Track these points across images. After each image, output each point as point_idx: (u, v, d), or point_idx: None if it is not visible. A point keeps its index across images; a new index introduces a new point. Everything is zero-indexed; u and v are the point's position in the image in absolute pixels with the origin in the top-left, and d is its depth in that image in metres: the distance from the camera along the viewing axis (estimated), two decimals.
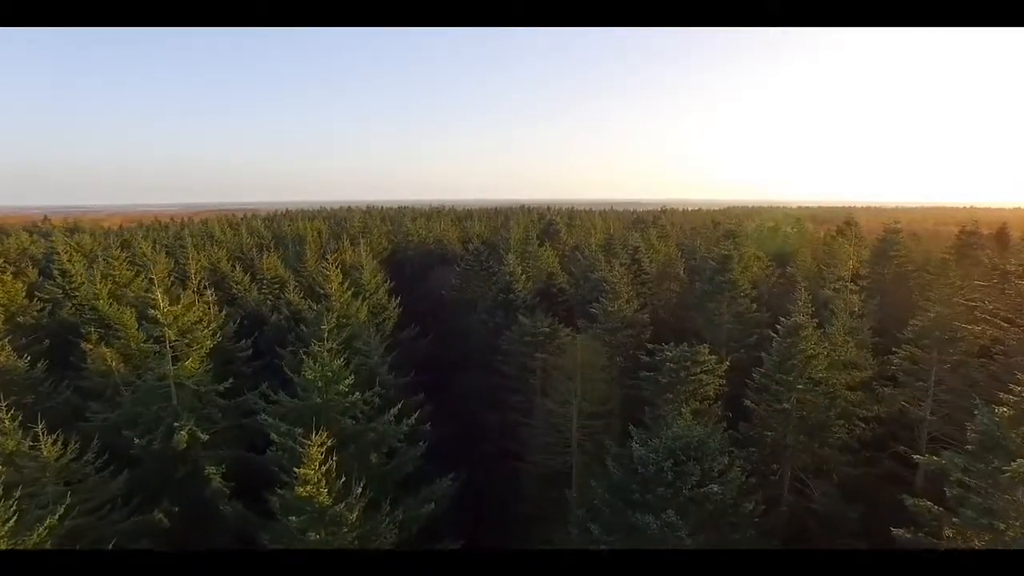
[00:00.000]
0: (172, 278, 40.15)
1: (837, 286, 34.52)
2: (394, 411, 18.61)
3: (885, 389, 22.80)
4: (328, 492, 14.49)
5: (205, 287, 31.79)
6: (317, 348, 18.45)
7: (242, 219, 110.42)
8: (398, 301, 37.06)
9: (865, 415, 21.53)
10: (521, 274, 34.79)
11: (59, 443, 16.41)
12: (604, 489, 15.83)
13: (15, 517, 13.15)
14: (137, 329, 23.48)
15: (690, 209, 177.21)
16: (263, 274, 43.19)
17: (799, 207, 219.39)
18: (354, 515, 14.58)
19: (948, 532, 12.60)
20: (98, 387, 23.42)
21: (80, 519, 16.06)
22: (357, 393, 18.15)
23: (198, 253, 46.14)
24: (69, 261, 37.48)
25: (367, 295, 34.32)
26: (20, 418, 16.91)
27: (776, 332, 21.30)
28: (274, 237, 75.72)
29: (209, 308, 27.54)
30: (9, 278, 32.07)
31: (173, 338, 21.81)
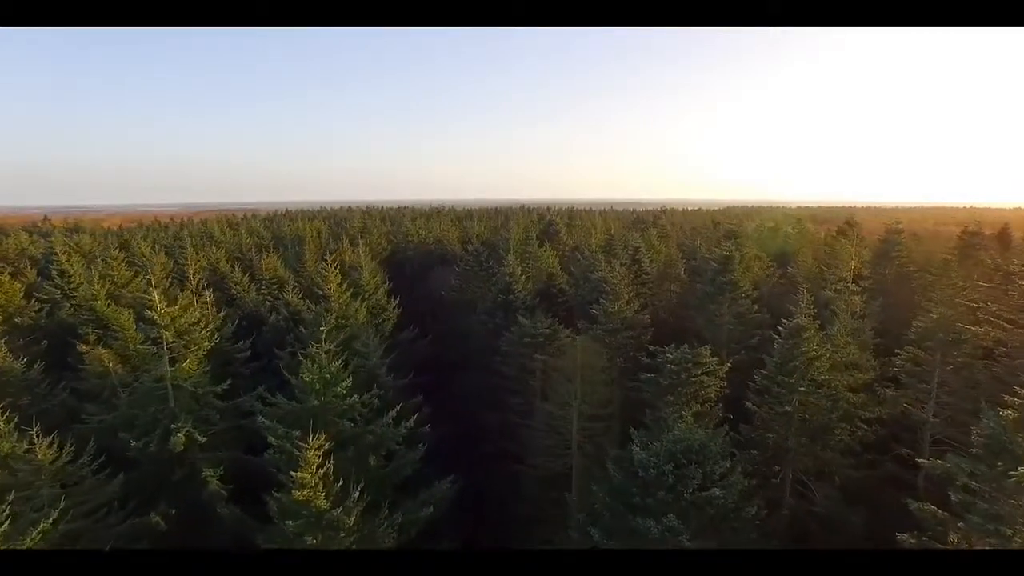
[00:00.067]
0: (171, 279, 40.08)
1: (839, 287, 34.42)
2: (393, 413, 18.46)
3: (887, 391, 22.66)
4: (326, 496, 14.36)
5: (204, 288, 31.61)
6: (315, 350, 18.26)
7: (242, 219, 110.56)
8: (397, 302, 36.90)
9: (867, 417, 21.40)
10: (521, 275, 34.58)
11: (55, 445, 16.23)
12: (604, 493, 15.67)
13: (8, 521, 13.02)
14: (135, 330, 23.36)
15: (690, 209, 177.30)
16: (262, 275, 43.09)
17: (799, 207, 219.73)
18: (352, 519, 14.45)
19: (953, 537, 12.47)
20: (95, 389, 23.28)
21: (76, 522, 15.90)
22: (355, 395, 17.99)
23: (197, 253, 46.04)
24: (68, 261, 37.26)
25: (366, 296, 34.15)
26: (16, 420, 16.77)
27: (777, 333, 21.18)
28: (273, 237, 75.57)
29: (207, 309, 27.42)
30: (7, 278, 31.92)
31: (171, 339, 21.64)
